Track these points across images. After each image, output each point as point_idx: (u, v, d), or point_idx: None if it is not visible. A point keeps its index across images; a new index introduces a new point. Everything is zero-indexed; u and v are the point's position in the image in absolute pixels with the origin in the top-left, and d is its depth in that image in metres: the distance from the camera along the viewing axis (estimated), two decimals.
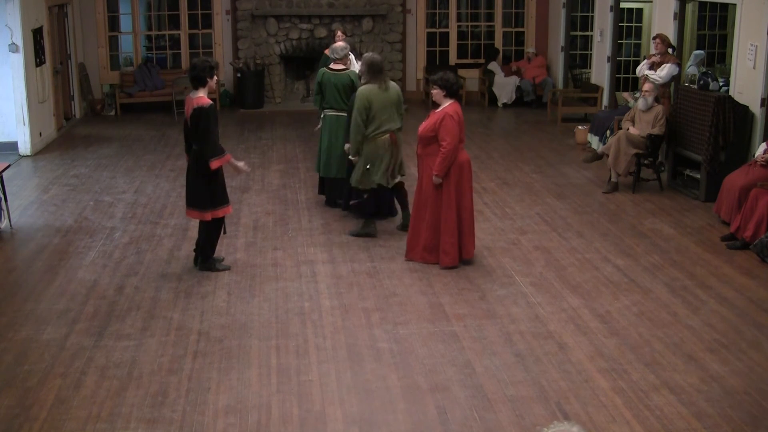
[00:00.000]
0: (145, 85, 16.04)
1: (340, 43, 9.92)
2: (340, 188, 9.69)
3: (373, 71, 8.50)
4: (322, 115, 9.78)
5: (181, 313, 6.88)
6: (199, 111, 7.29)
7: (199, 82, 7.40)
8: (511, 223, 9.25)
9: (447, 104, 7.77)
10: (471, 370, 5.90)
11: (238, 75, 16.29)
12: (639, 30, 16.66)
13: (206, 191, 7.48)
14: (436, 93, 7.81)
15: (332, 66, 9.64)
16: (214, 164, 7.39)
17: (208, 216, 7.55)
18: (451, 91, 7.78)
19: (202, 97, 7.38)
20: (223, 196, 7.62)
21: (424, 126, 7.83)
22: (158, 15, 16.91)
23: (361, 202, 8.80)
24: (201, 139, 7.35)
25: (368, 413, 5.36)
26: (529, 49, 17.20)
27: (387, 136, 8.46)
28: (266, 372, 5.89)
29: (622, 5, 14.93)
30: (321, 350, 6.22)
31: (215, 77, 7.49)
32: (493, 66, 16.77)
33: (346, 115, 9.41)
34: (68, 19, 14.99)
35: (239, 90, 16.45)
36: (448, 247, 7.80)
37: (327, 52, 11.67)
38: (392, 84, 8.67)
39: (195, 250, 7.93)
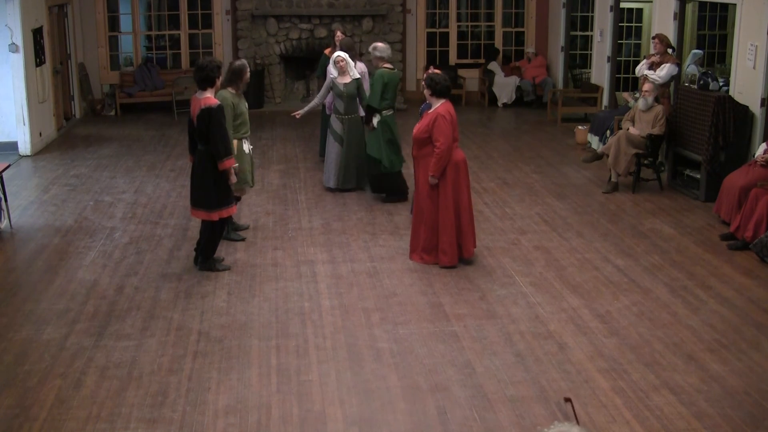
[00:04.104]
0: (145, 85, 16.03)
1: (380, 44, 10.09)
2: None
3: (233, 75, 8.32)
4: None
5: (181, 313, 6.88)
6: (207, 112, 7.26)
7: (208, 82, 7.36)
8: (511, 223, 9.25)
9: (439, 104, 7.77)
10: (471, 370, 5.90)
11: None
12: (639, 30, 16.66)
13: (214, 191, 7.48)
14: (427, 92, 7.84)
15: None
16: (224, 165, 7.39)
17: (215, 216, 7.54)
18: (438, 91, 7.78)
19: (209, 97, 7.35)
20: (229, 196, 7.62)
21: (417, 128, 7.83)
22: (158, 15, 16.90)
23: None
24: (211, 140, 7.33)
25: (368, 413, 5.36)
26: (529, 49, 17.19)
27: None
28: (266, 372, 5.89)
29: (622, 5, 14.92)
30: (321, 350, 6.22)
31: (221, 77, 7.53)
32: (493, 66, 16.77)
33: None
34: (68, 19, 14.98)
35: None
36: (446, 246, 7.80)
37: (327, 52, 11.69)
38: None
39: (196, 249, 7.93)
